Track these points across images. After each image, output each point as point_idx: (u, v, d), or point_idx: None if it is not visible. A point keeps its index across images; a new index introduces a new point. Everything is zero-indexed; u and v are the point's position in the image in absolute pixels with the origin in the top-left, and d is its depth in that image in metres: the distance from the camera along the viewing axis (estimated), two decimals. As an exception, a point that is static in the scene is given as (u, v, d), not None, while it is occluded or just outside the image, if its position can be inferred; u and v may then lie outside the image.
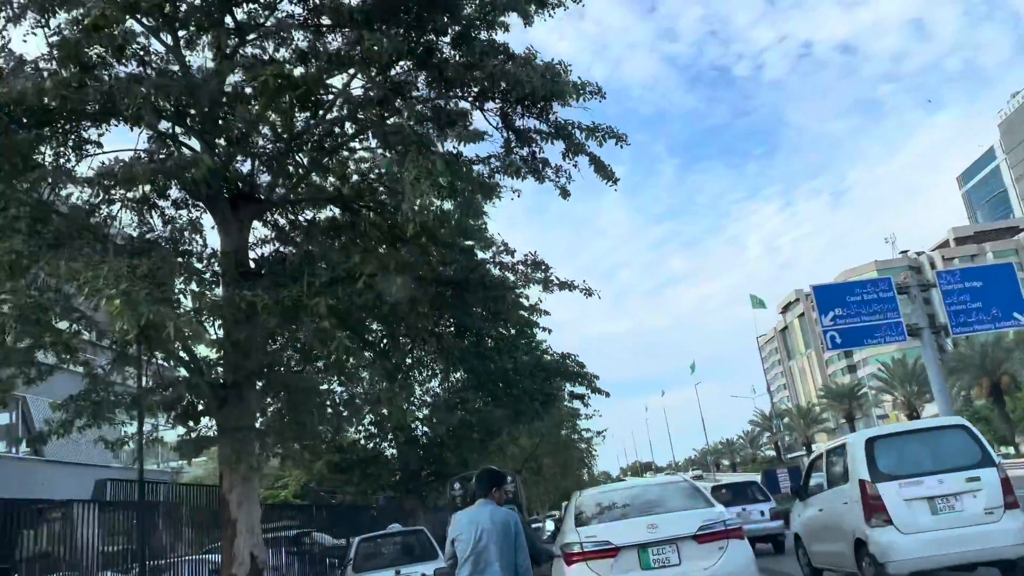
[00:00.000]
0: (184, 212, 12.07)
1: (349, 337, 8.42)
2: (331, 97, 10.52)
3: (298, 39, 10.09)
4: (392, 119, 10.15)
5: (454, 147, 11.09)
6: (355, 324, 9.71)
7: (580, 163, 11.45)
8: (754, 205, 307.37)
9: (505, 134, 11.38)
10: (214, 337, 8.77)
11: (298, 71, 10.21)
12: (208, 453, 15.68)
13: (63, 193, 10.87)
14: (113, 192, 11.09)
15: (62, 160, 10.53)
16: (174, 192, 11.79)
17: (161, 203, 11.53)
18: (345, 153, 12.03)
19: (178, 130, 10.93)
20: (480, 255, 11.72)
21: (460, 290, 10.87)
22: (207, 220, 11.02)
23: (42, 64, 8.94)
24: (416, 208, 7.24)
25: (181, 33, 10.49)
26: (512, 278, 12.55)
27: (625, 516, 8.77)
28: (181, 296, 7.07)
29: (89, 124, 10.39)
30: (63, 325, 10.51)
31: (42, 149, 10.10)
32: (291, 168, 10.51)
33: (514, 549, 5.63)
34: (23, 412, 25.88)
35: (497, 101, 11.17)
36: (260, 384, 9.97)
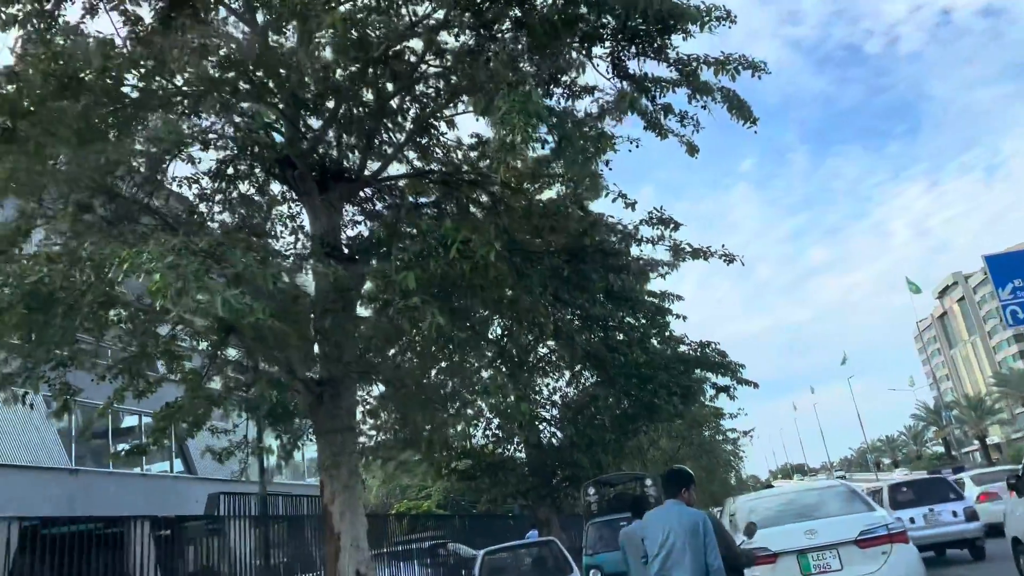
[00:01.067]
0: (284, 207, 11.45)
1: (448, 319, 7.16)
2: (415, 59, 9.45)
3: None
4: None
5: (558, 104, 9.72)
6: (458, 309, 8.48)
7: (701, 116, 9.84)
8: (898, 187, 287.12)
9: (618, 84, 9.86)
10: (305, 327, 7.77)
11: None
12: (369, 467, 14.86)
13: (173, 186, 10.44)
14: (205, 186, 10.59)
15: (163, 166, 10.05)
16: (275, 186, 11.23)
17: (258, 198, 10.90)
18: (443, 127, 10.97)
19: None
20: (591, 214, 10.13)
21: (576, 262, 9.43)
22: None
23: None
24: (506, 144, 5.88)
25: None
26: (638, 252, 10.91)
27: (782, 522, 8.56)
28: (245, 275, 6.00)
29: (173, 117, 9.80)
30: (162, 331, 10.00)
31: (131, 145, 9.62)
32: (380, 141, 9.45)
33: (703, 550, 5.51)
34: (179, 443, 26.79)
35: (606, 45, 9.69)
36: (359, 380, 8.94)
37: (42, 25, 8.47)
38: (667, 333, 18.01)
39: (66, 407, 7.72)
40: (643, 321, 17.28)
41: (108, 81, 8.29)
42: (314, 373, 8.54)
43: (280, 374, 8.09)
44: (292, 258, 8.91)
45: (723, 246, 10.00)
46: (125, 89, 8.88)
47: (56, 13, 8.96)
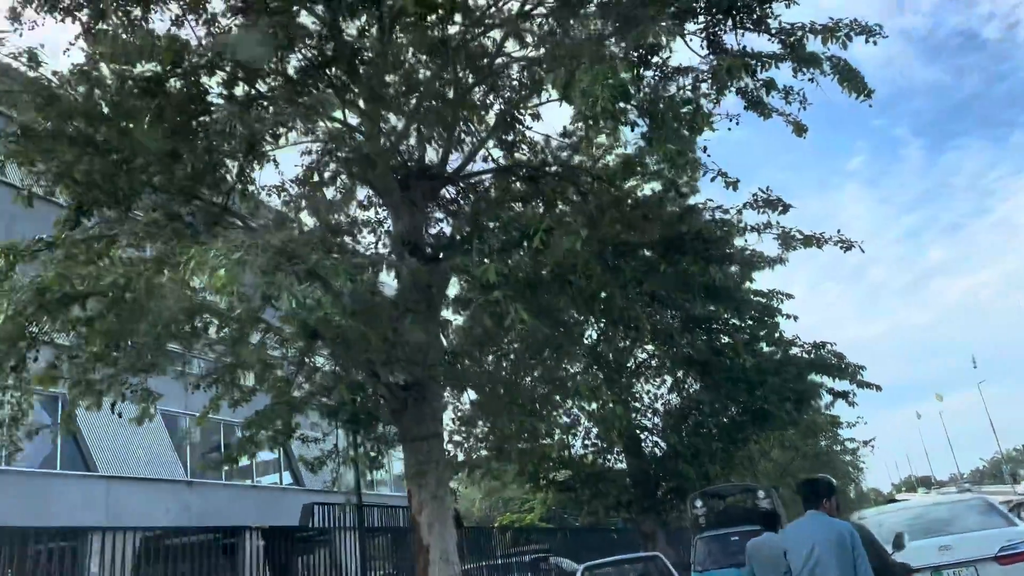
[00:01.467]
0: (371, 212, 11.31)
1: (534, 317, 6.65)
2: (493, 48, 9.05)
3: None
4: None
5: (648, 88, 9.07)
6: (545, 307, 7.94)
7: (808, 91, 9.00)
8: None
9: (714, 62, 9.11)
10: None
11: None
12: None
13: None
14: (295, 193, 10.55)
15: (247, 170, 10.07)
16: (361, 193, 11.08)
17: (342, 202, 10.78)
18: (528, 121, 10.53)
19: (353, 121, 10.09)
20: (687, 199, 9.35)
21: (673, 253, 8.71)
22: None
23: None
24: (588, 117, 5.33)
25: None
26: (742, 243, 10.03)
27: (912, 537, 7.84)
28: (318, 270, 5.69)
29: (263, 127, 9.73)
30: (254, 339, 9.94)
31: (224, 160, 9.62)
32: (461, 132, 9.08)
33: (852, 563, 5.16)
34: (285, 449, 27.48)
35: (699, 20, 8.98)
36: (446, 385, 8.54)
37: (135, 41, 8.55)
38: (777, 334, 16.91)
39: (146, 413, 7.64)
40: (750, 322, 16.28)
41: (191, 86, 8.30)
42: (398, 377, 8.20)
43: (363, 378, 7.78)
44: (371, 256, 8.62)
45: (839, 231, 9.06)
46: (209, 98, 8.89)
47: (144, 27, 9.09)
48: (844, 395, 18.20)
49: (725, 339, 16.43)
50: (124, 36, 8.43)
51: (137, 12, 8.96)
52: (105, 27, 8.58)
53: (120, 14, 8.84)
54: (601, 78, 5.67)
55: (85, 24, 8.74)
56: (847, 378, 17.40)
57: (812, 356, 17.52)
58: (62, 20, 8.84)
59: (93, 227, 6.61)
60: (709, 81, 7.87)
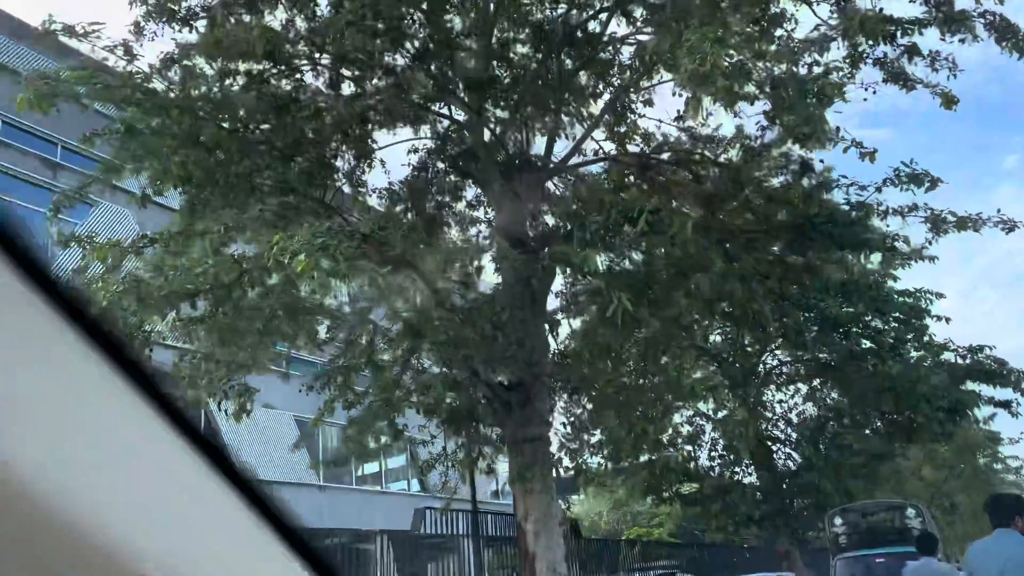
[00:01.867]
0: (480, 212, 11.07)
1: (646, 311, 6.07)
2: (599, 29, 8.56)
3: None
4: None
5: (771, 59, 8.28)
6: (656, 300, 7.30)
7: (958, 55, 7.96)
8: None
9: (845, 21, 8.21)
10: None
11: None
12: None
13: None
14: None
15: (357, 172, 10.07)
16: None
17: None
18: (639, 105, 9.95)
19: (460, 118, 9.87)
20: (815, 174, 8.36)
21: (802, 240, 7.83)
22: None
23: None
24: (694, 76, 4.73)
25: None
26: (884, 231, 8.98)
27: None
28: (407, 258, 5.39)
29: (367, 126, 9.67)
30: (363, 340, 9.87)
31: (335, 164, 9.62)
32: (566, 115, 8.64)
33: None
34: (411, 452, 27.94)
35: (828, -17, 8.11)
36: (554, 387, 8.06)
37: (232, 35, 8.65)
38: (926, 338, 15.31)
39: (244, 409, 7.61)
40: (894, 324, 14.83)
41: (294, 86, 8.30)
42: (501, 377, 7.80)
43: (465, 377, 7.43)
44: (468, 248, 8.30)
45: (999, 211, 7.89)
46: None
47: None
48: (1007, 405, 16.22)
49: (866, 343, 15.05)
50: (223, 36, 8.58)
51: (247, 18, 9.12)
52: (218, 35, 8.77)
53: (232, 20, 9.02)
54: (711, 35, 5.06)
55: (201, 34, 8.96)
56: (1010, 386, 15.49)
57: (968, 362, 15.71)
58: (180, 30, 9.13)
59: (205, 225, 6.64)
60: (839, 40, 6.98)
